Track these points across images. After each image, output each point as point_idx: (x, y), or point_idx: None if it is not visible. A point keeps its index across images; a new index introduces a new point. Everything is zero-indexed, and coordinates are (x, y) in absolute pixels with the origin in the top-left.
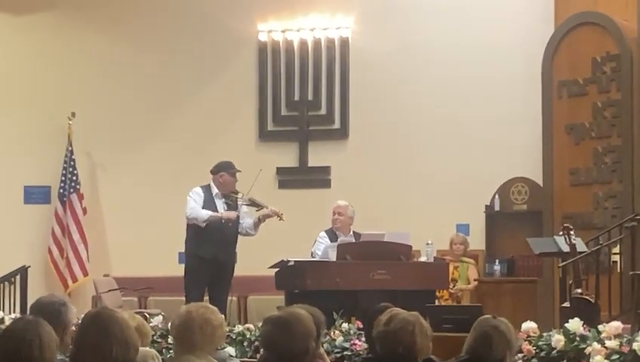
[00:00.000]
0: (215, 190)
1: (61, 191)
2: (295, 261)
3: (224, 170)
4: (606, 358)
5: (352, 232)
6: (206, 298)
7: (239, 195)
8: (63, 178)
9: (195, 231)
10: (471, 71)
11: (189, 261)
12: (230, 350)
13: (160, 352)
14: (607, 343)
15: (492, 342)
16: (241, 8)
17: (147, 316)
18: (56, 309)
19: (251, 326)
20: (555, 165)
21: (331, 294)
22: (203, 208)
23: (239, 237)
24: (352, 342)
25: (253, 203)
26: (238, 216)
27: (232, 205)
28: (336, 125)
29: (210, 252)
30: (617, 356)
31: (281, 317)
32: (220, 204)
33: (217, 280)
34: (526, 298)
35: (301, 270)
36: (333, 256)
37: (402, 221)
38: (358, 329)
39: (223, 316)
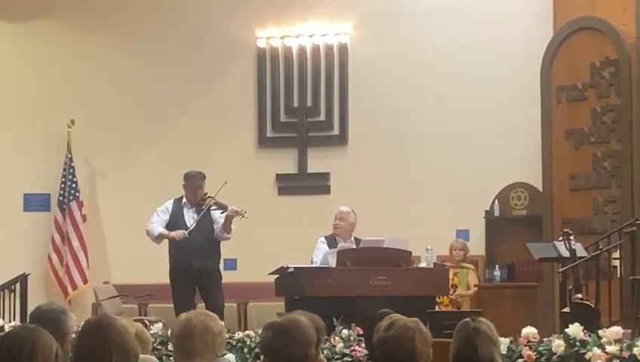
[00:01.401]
0: (184, 200)
1: (60, 198)
2: (295, 267)
3: (184, 180)
4: None
5: (352, 238)
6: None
7: (207, 201)
8: (63, 185)
9: (169, 243)
10: (470, 76)
11: (170, 273)
12: (230, 357)
13: (160, 359)
14: (608, 348)
15: (476, 346)
16: (239, 15)
17: (147, 323)
18: (55, 317)
19: (251, 332)
20: (554, 170)
21: (331, 300)
22: (169, 221)
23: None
24: (352, 348)
25: (218, 206)
26: (207, 227)
27: (203, 211)
28: (336, 131)
29: (182, 261)
30: (618, 361)
31: (281, 324)
32: (189, 213)
33: (204, 288)
34: (526, 303)
35: (301, 276)
36: (332, 262)
37: (402, 227)
38: (358, 335)
39: (222, 323)
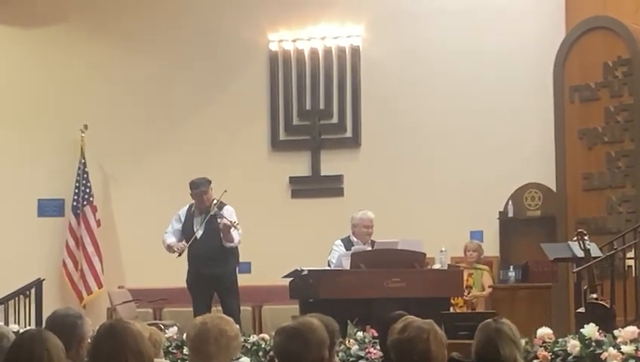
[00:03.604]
0: (194, 206)
1: (74, 203)
2: (309, 270)
3: (190, 188)
4: None
5: (369, 240)
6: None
7: (213, 208)
8: (77, 190)
9: (187, 250)
10: (482, 77)
11: (186, 279)
12: (245, 360)
13: None
14: (623, 348)
15: (497, 346)
16: (251, 18)
17: (162, 327)
18: (72, 322)
19: (266, 336)
20: (568, 170)
21: (346, 303)
22: (183, 228)
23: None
24: (367, 350)
25: (218, 215)
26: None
27: (206, 219)
28: (348, 133)
29: (193, 269)
30: (633, 361)
31: (294, 328)
32: (198, 220)
33: (219, 291)
34: (541, 304)
35: (315, 279)
36: (347, 265)
37: (416, 228)
38: (373, 337)
39: (238, 327)
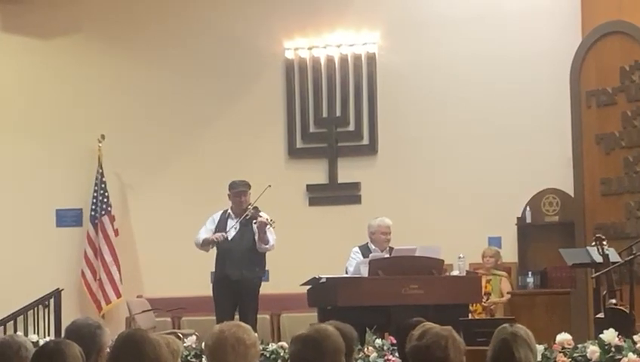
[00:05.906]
0: (229, 210)
1: (92, 213)
2: (327, 278)
3: (228, 189)
4: None
5: (387, 247)
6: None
7: (249, 211)
8: (94, 200)
9: (215, 253)
10: (499, 83)
11: (212, 282)
12: None
13: None
14: None
15: (513, 349)
16: (267, 27)
17: (181, 336)
18: (91, 331)
19: (285, 344)
20: (585, 176)
21: (364, 310)
22: (216, 230)
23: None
24: (385, 357)
25: (254, 216)
26: (251, 232)
27: (246, 221)
28: (365, 141)
29: (220, 271)
30: None
31: (309, 336)
32: (232, 222)
33: (240, 300)
34: (560, 309)
35: (333, 287)
36: (365, 272)
37: (433, 235)
38: (392, 344)
39: (256, 334)
